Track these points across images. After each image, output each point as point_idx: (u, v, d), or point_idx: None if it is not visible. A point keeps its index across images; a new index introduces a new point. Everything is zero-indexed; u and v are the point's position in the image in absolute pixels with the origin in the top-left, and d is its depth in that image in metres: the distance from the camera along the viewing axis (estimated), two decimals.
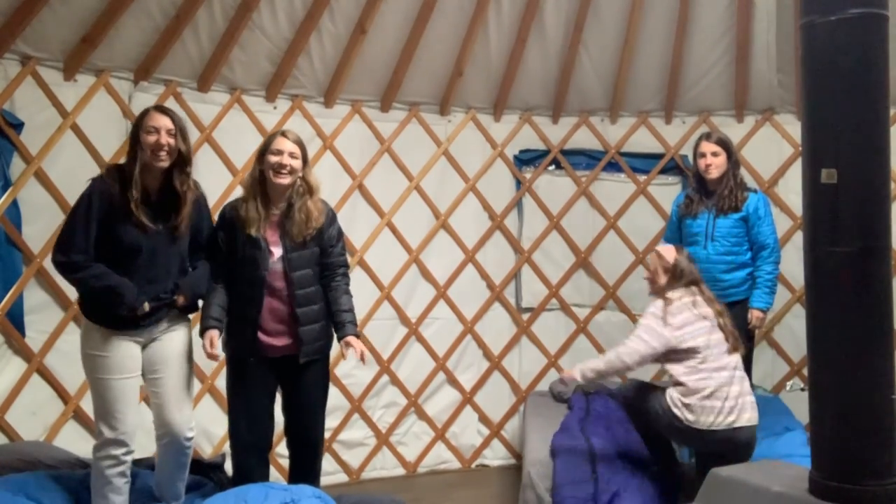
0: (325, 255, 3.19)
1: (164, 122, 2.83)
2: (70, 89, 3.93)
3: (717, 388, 3.23)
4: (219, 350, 3.04)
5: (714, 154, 3.87)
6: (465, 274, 5.08)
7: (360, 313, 3.60)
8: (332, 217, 3.25)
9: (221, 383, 4.19)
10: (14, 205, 3.75)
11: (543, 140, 5.21)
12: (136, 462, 3.00)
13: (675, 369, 3.31)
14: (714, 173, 3.87)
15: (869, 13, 2.40)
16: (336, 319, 3.19)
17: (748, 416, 3.27)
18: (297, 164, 3.09)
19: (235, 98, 4.47)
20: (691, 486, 3.48)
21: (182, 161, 2.87)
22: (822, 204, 2.46)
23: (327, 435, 3.76)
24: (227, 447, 4.07)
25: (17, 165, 3.78)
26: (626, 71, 4.95)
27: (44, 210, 3.85)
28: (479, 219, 5.14)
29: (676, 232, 4.10)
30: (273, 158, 3.06)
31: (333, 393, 3.43)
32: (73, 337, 3.88)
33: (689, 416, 3.24)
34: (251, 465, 3.18)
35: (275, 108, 4.60)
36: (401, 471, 4.92)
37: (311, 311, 3.14)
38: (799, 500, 2.46)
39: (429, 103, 5.01)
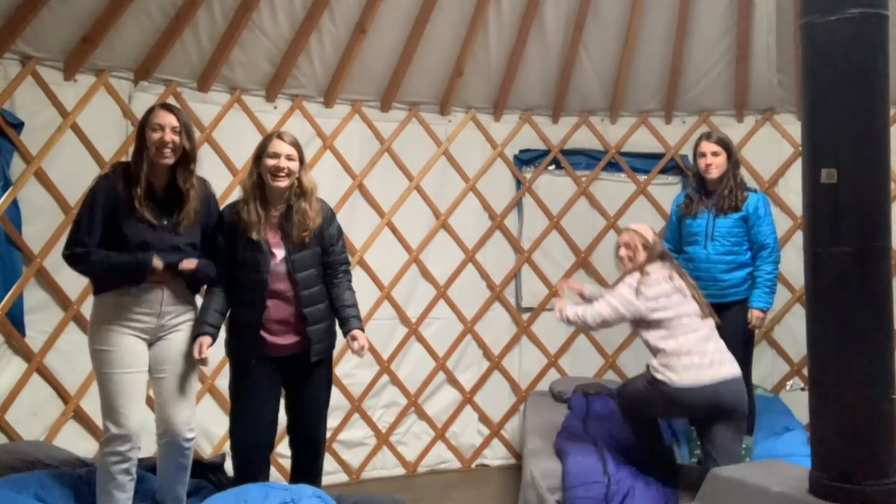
0: (326, 255, 3.20)
1: (170, 119, 2.87)
2: (70, 89, 3.93)
3: (693, 347, 3.33)
4: (207, 356, 3.00)
5: (714, 154, 3.86)
6: (465, 274, 5.08)
7: (360, 313, 3.60)
8: (330, 216, 3.25)
9: (221, 383, 4.20)
10: (14, 205, 3.75)
11: (543, 140, 5.21)
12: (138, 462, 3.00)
13: (651, 336, 3.42)
14: (714, 173, 3.87)
15: (869, 13, 2.40)
16: (341, 315, 3.22)
17: (727, 368, 3.35)
18: (295, 165, 3.09)
19: (235, 98, 4.47)
20: (692, 486, 3.49)
21: (186, 159, 2.90)
22: (822, 204, 2.46)
23: (327, 435, 3.76)
24: (226, 447, 4.08)
25: (17, 165, 3.78)
26: (626, 71, 4.95)
27: (44, 210, 3.85)
28: (479, 219, 5.14)
29: (676, 231, 4.10)
30: (270, 162, 3.05)
31: (334, 393, 3.43)
32: (73, 337, 3.91)
33: (674, 377, 3.30)
34: (254, 465, 3.18)
35: (275, 108, 4.61)
36: (401, 471, 4.92)
37: (317, 311, 3.15)
38: (799, 500, 2.46)
39: (429, 103, 5.01)
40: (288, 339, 3.13)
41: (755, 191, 3.96)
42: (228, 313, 3.15)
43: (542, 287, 5.16)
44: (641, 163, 5.22)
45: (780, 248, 3.98)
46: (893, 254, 2.61)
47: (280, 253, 3.10)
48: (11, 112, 3.74)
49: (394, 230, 4.91)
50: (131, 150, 4.01)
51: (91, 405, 3.93)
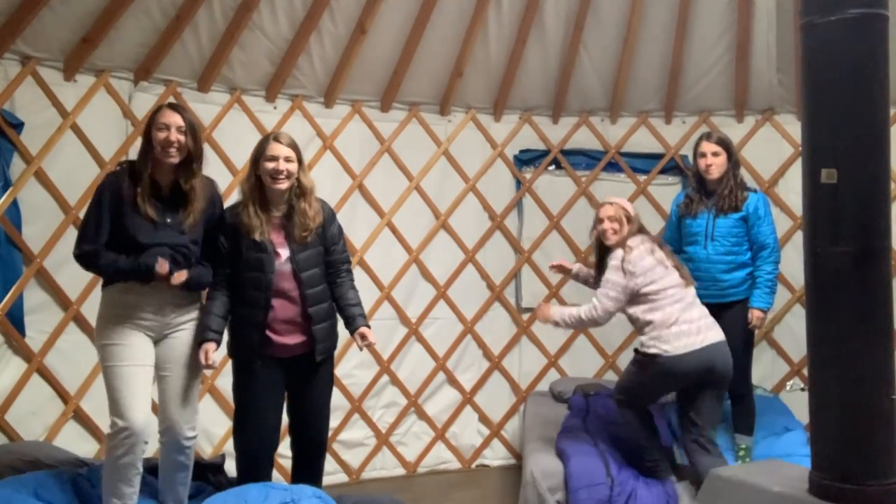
0: (328, 254, 3.21)
1: (175, 119, 2.89)
2: (70, 89, 3.93)
3: (680, 315, 3.41)
4: (213, 361, 3.02)
5: (714, 154, 3.86)
6: (465, 274, 5.08)
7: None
8: (331, 215, 3.26)
9: (221, 383, 4.21)
10: (14, 205, 3.75)
11: (543, 140, 5.21)
12: None
13: (637, 310, 3.48)
14: (714, 173, 3.87)
15: (869, 13, 2.40)
16: (347, 313, 3.24)
17: (714, 333, 3.45)
18: (294, 167, 3.09)
19: (235, 98, 4.47)
20: (692, 486, 3.49)
21: (189, 159, 2.92)
22: (822, 204, 2.46)
23: (328, 434, 3.76)
24: (226, 448, 4.08)
25: (17, 165, 3.78)
26: (626, 71, 4.95)
27: (44, 210, 3.85)
28: (479, 219, 5.14)
29: (676, 231, 4.10)
30: (269, 165, 3.05)
31: (334, 393, 3.43)
32: (73, 337, 3.91)
33: (665, 347, 3.38)
34: (259, 466, 3.18)
35: (275, 108, 4.61)
36: (401, 471, 4.92)
37: (321, 310, 3.17)
38: (799, 500, 2.46)
39: (429, 103, 5.01)
40: (293, 339, 3.13)
41: (755, 191, 3.96)
42: (232, 314, 3.14)
43: (542, 287, 5.16)
44: (641, 163, 5.21)
45: (780, 248, 3.98)
46: (893, 254, 2.61)
47: (284, 253, 3.10)
48: (11, 112, 3.73)
49: (394, 230, 4.91)
50: (131, 149, 4.08)
51: (91, 405, 3.93)
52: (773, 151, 5.01)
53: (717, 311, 3.81)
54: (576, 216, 5.19)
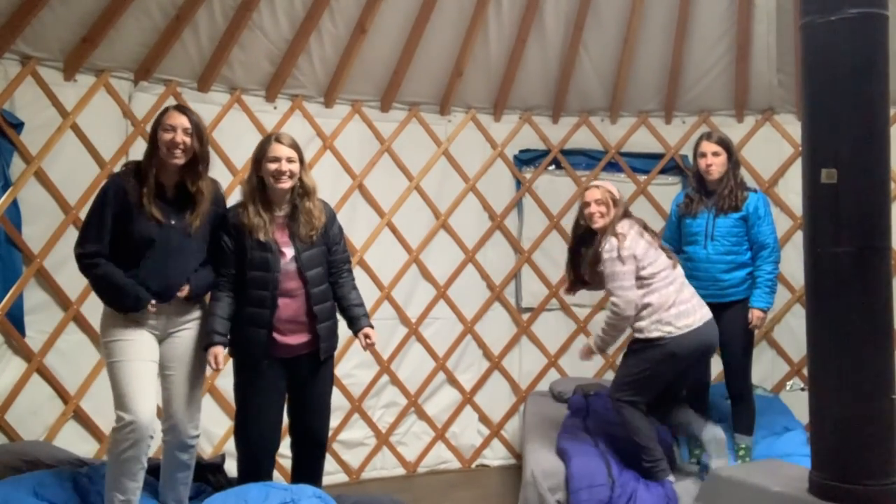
0: (330, 254, 3.23)
1: (181, 120, 2.91)
2: (70, 89, 3.93)
3: (676, 297, 3.48)
4: (222, 363, 3.06)
5: (715, 154, 3.86)
6: (465, 274, 5.08)
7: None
8: (332, 215, 3.29)
9: (222, 383, 4.21)
10: (14, 205, 3.75)
11: (543, 140, 5.21)
12: None
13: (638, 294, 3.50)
14: (715, 173, 3.86)
15: (869, 13, 2.40)
16: (351, 314, 3.27)
17: (706, 310, 3.55)
18: (296, 167, 3.11)
19: (235, 98, 4.47)
20: (692, 486, 3.49)
21: (195, 161, 2.94)
22: (822, 204, 2.46)
23: (328, 434, 3.76)
24: (226, 448, 4.08)
25: (17, 165, 3.78)
26: (626, 71, 4.95)
27: (44, 210, 3.85)
28: (479, 219, 5.14)
29: (676, 231, 4.10)
30: (272, 166, 3.07)
31: (334, 393, 3.44)
32: (73, 337, 3.91)
33: (668, 328, 3.43)
34: (260, 466, 3.19)
35: (275, 108, 4.61)
36: (401, 471, 4.92)
37: (324, 309, 3.18)
38: (799, 500, 2.46)
39: (429, 103, 5.01)
40: (298, 339, 3.14)
41: (755, 191, 3.96)
42: (237, 315, 3.13)
43: (542, 287, 5.16)
44: (641, 163, 5.21)
45: (780, 247, 3.98)
46: (893, 254, 2.61)
47: (289, 252, 3.11)
48: (11, 112, 3.74)
49: (394, 230, 4.91)
50: (131, 149, 4.08)
51: (91, 405, 3.94)
52: (773, 151, 5.01)
53: (717, 310, 3.81)
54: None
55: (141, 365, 2.86)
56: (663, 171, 5.19)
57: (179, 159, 2.90)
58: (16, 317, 3.75)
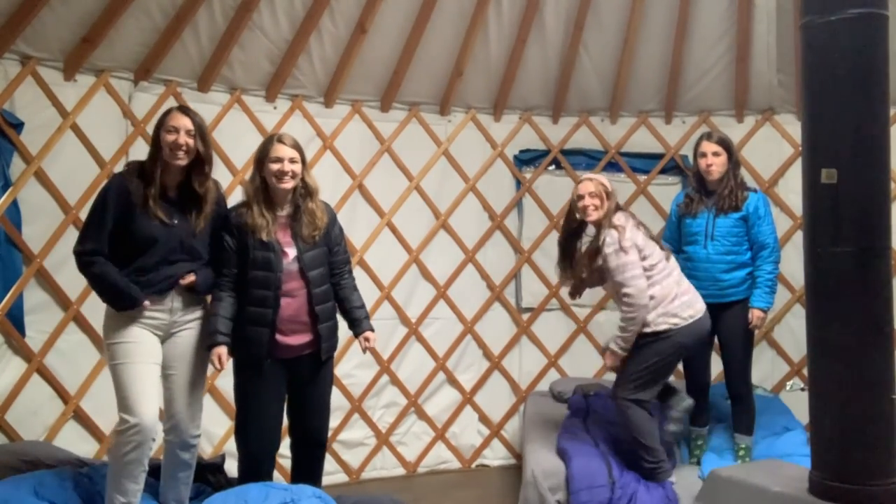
0: (331, 255, 3.25)
1: (184, 122, 2.92)
2: (70, 89, 3.93)
3: (676, 288, 3.53)
4: (226, 363, 3.06)
5: (715, 154, 3.86)
6: (465, 274, 5.08)
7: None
8: (333, 216, 3.30)
9: (221, 383, 4.21)
10: (14, 205, 3.75)
11: (543, 140, 5.21)
12: None
13: None
14: (715, 173, 3.86)
15: (869, 13, 2.40)
16: (353, 316, 3.29)
17: (702, 300, 3.62)
18: (298, 168, 3.12)
19: (235, 98, 4.47)
20: (692, 486, 3.49)
21: (201, 162, 2.95)
22: (822, 204, 2.47)
23: (328, 434, 3.77)
24: (226, 448, 4.09)
25: (17, 165, 3.78)
26: (626, 71, 4.95)
27: (44, 210, 3.85)
28: (479, 219, 5.14)
29: (676, 231, 4.10)
30: (274, 166, 3.08)
31: (334, 393, 3.44)
32: (73, 337, 3.91)
33: (675, 320, 3.47)
34: (261, 467, 3.19)
35: (275, 108, 4.61)
36: (401, 471, 4.92)
37: (326, 309, 3.20)
38: (799, 500, 2.46)
39: (429, 103, 5.01)
40: (299, 339, 3.15)
41: (755, 190, 3.96)
42: (239, 314, 3.13)
43: (542, 287, 5.16)
44: (641, 163, 5.21)
45: (780, 247, 3.98)
46: (893, 254, 2.61)
47: (291, 252, 3.12)
48: (11, 112, 3.73)
49: (394, 230, 4.91)
50: (131, 149, 4.08)
51: (91, 405, 3.94)
52: (773, 151, 5.01)
53: (717, 310, 3.82)
54: None
55: (144, 367, 2.86)
56: (663, 171, 5.19)
57: (182, 160, 2.91)
58: (16, 317, 3.75)
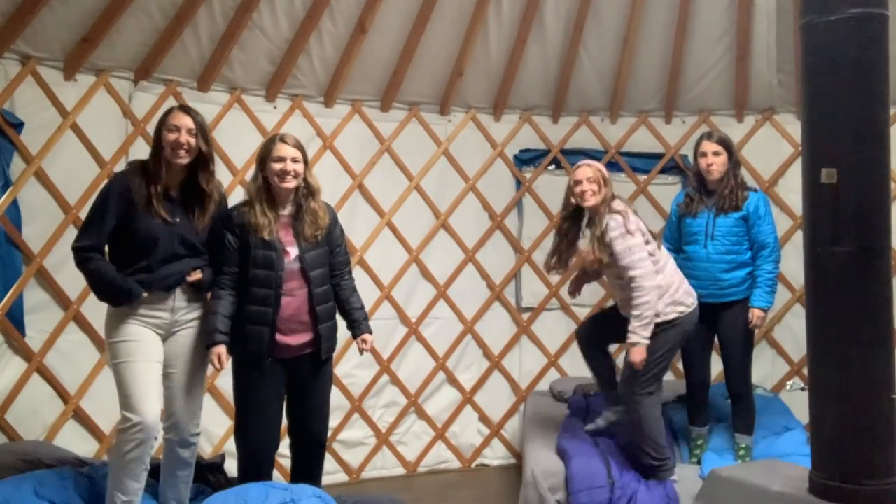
0: (331, 255, 3.25)
1: (186, 121, 2.94)
2: (70, 89, 3.93)
3: (677, 277, 3.59)
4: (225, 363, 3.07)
5: (715, 153, 3.86)
6: (465, 274, 5.08)
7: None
8: (335, 217, 3.31)
9: (221, 383, 4.21)
10: (14, 205, 3.75)
11: (543, 140, 5.21)
12: None
13: None
14: (715, 173, 3.86)
15: (869, 13, 2.40)
16: (352, 317, 3.31)
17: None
18: (300, 167, 3.13)
19: (235, 98, 4.47)
20: (692, 486, 3.48)
21: (204, 160, 2.97)
22: (822, 204, 2.46)
23: (328, 434, 3.78)
24: (226, 448, 4.08)
25: (17, 165, 3.78)
26: (626, 71, 4.95)
27: (44, 210, 3.85)
28: (479, 219, 5.14)
29: (676, 231, 4.10)
30: (276, 166, 3.08)
31: (334, 393, 3.45)
32: (73, 337, 3.91)
33: (681, 308, 3.51)
34: (260, 466, 3.19)
35: (275, 107, 4.61)
36: (401, 470, 4.92)
37: (326, 309, 3.20)
38: (799, 500, 2.46)
39: (429, 103, 5.01)
40: (299, 339, 3.15)
41: (755, 190, 3.96)
42: (239, 313, 3.12)
43: (542, 287, 5.16)
44: (641, 163, 5.21)
45: (780, 247, 3.98)
46: (893, 254, 2.61)
47: (293, 251, 3.13)
48: (11, 112, 3.74)
49: (394, 230, 4.91)
50: (131, 149, 4.08)
51: (91, 405, 3.94)
52: (773, 151, 5.01)
53: (717, 310, 3.82)
54: None
55: (146, 366, 2.87)
56: (663, 171, 5.19)
57: (184, 159, 2.92)
58: (16, 317, 3.75)
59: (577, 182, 3.58)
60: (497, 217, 5.14)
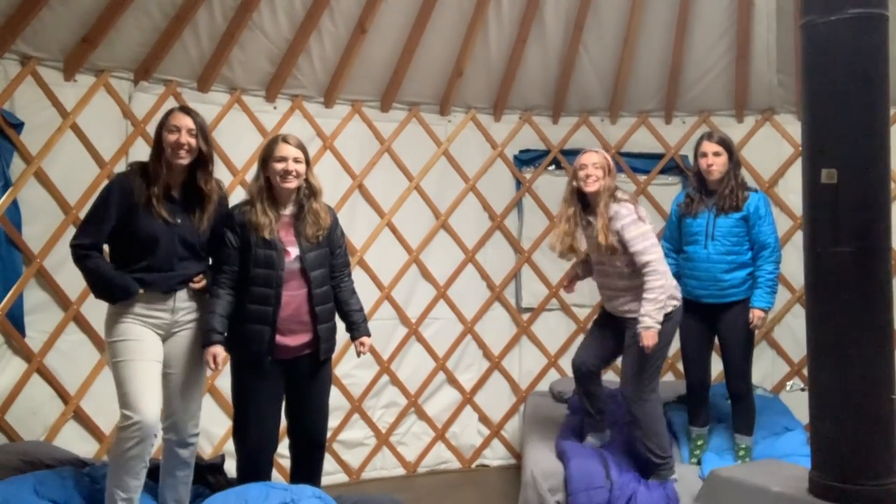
0: (332, 257, 3.26)
1: (186, 121, 2.94)
2: (70, 89, 3.93)
3: (669, 271, 3.62)
4: (221, 364, 3.07)
5: (716, 154, 3.86)
6: (465, 274, 5.08)
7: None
8: (335, 218, 3.31)
9: (221, 383, 4.20)
10: (14, 205, 3.75)
11: (543, 140, 5.21)
12: None
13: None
14: (716, 173, 3.86)
15: (869, 13, 2.40)
16: (351, 319, 3.32)
17: None
18: (302, 168, 3.14)
19: (235, 98, 4.47)
20: (692, 486, 3.48)
21: (204, 160, 2.98)
22: (822, 204, 2.46)
23: (327, 435, 3.79)
24: (226, 448, 4.08)
25: (17, 165, 3.78)
26: (626, 71, 4.95)
27: (44, 210, 3.85)
28: (479, 219, 5.14)
29: (676, 231, 4.10)
30: (279, 166, 3.09)
31: (334, 393, 3.45)
32: (73, 337, 3.91)
33: (675, 302, 3.55)
34: (260, 468, 3.19)
35: (275, 108, 4.61)
36: (401, 471, 4.92)
37: (326, 310, 3.21)
38: (799, 500, 2.46)
39: (429, 103, 5.01)
40: (297, 340, 3.15)
41: (756, 190, 3.96)
42: (238, 312, 3.12)
43: (542, 287, 5.16)
44: (641, 163, 5.22)
45: (780, 247, 3.98)
46: (893, 254, 2.61)
47: (294, 251, 3.13)
48: (11, 112, 3.73)
49: (394, 230, 4.91)
50: (131, 149, 4.08)
51: (91, 405, 3.94)
52: (773, 151, 5.02)
53: (718, 311, 3.82)
54: None
55: (146, 364, 2.87)
56: (663, 171, 5.19)
57: (184, 159, 2.93)
58: (16, 317, 3.75)
59: (583, 166, 3.56)
60: (497, 217, 5.14)
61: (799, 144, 3.77)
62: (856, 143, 2.42)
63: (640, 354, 3.48)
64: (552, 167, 5.22)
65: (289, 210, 3.17)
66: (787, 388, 4.57)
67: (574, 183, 3.61)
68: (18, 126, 3.76)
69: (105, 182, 3.65)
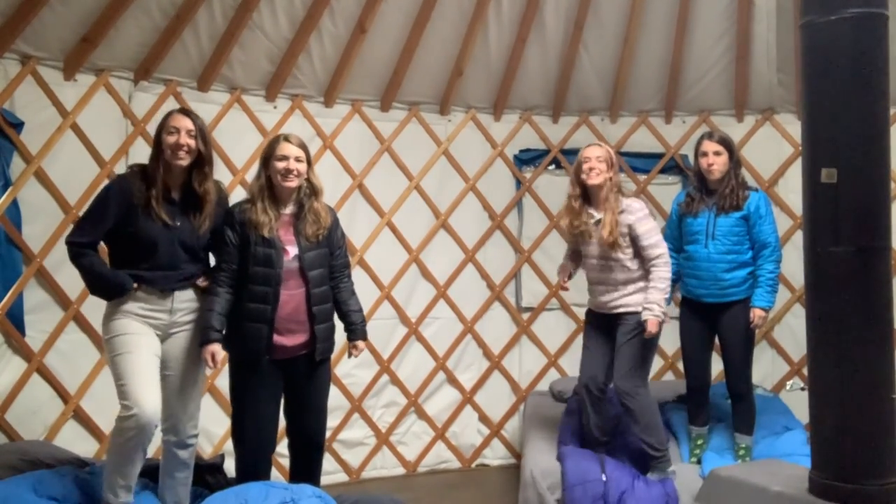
0: (331, 257, 3.26)
1: (185, 123, 2.95)
2: (70, 89, 3.93)
3: None
4: (219, 363, 3.07)
5: (716, 153, 3.86)
6: (465, 274, 5.08)
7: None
8: (336, 219, 3.32)
9: (221, 383, 4.20)
10: (14, 205, 3.75)
11: (543, 140, 5.21)
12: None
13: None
14: (716, 173, 3.86)
15: (869, 13, 2.40)
16: (349, 320, 3.32)
17: None
18: (303, 167, 3.14)
19: (235, 98, 4.47)
20: (692, 486, 3.48)
21: (202, 162, 2.98)
22: (822, 204, 2.46)
23: (327, 435, 3.79)
24: (226, 448, 4.08)
25: (17, 165, 3.78)
26: (626, 70, 4.95)
27: (44, 210, 3.85)
28: (479, 218, 5.14)
29: (676, 230, 4.10)
30: (280, 165, 3.10)
31: (333, 393, 3.45)
32: (73, 337, 3.91)
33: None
34: (259, 467, 3.19)
35: (275, 107, 4.61)
36: (401, 470, 4.92)
37: (324, 310, 3.20)
38: (799, 500, 2.46)
39: (429, 103, 5.01)
40: (295, 340, 3.15)
41: (756, 190, 3.96)
42: (236, 311, 3.12)
43: (542, 287, 5.16)
44: (641, 163, 5.22)
45: (781, 247, 3.98)
46: (893, 254, 2.61)
47: (293, 250, 3.13)
48: (11, 112, 3.74)
49: (394, 230, 4.91)
50: (131, 149, 4.08)
51: (91, 405, 3.94)
52: (773, 151, 5.02)
53: (718, 310, 3.82)
54: None
55: (144, 357, 2.87)
56: (663, 171, 5.19)
57: (184, 160, 2.93)
58: (16, 317, 3.75)
59: (587, 159, 3.60)
60: (497, 217, 5.14)
61: (799, 144, 3.76)
62: (856, 143, 2.42)
63: (638, 347, 3.52)
64: (552, 167, 5.22)
65: (289, 209, 3.18)
66: (787, 387, 4.57)
67: (579, 175, 3.64)
68: (18, 126, 3.76)
69: (105, 182, 3.65)
